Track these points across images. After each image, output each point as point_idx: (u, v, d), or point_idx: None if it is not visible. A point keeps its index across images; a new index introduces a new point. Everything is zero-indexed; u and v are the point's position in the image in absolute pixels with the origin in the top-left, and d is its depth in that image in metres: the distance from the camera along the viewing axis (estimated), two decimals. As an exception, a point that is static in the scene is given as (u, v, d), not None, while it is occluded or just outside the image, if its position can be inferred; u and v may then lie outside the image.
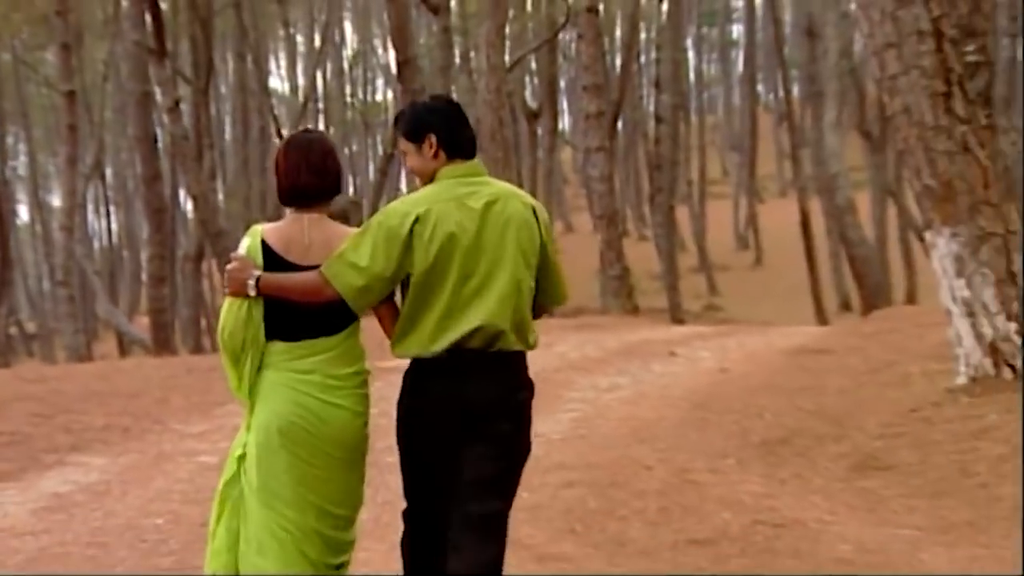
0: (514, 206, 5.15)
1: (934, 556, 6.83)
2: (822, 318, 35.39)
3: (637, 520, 7.75)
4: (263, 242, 5.15)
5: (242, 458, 5.15)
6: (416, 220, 4.96)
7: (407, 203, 5.10)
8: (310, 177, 5.19)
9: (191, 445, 10.85)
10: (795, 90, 40.83)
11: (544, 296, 5.30)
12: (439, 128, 5.16)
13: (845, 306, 41.47)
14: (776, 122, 65.69)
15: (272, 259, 5.08)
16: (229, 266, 5.15)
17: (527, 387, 5.16)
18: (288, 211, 5.28)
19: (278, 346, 5.14)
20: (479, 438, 5.00)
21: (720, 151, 75.94)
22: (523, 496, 7.83)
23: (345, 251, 4.99)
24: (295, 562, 5.03)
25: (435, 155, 5.15)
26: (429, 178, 5.18)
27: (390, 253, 4.93)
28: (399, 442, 5.16)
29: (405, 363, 5.07)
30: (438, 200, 5.05)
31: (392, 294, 5.12)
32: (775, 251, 50.98)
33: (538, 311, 5.30)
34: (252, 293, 5.01)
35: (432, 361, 4.99)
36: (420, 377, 5.06)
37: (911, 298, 39.59)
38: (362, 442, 5.23)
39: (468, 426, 5.00)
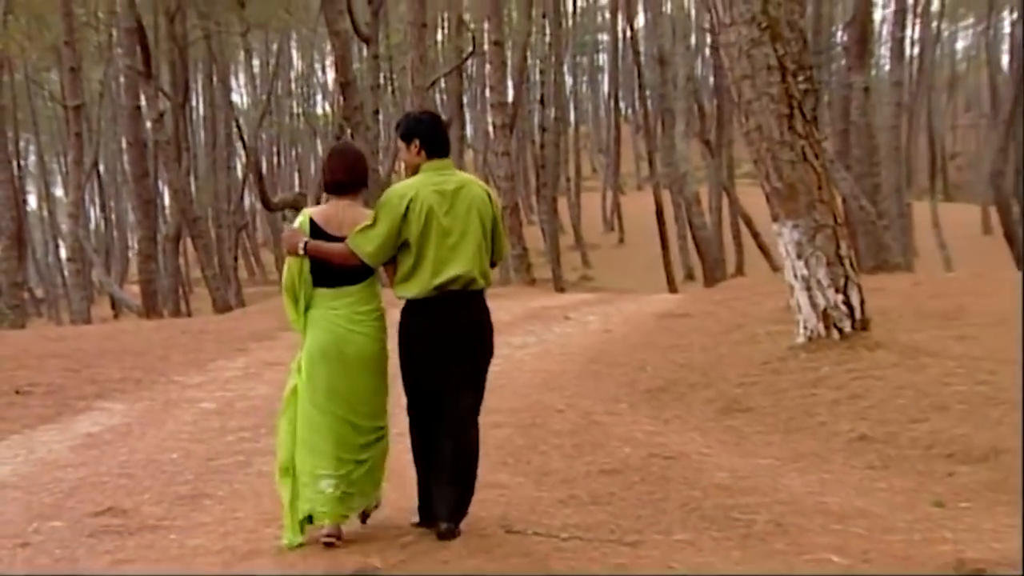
0: (475, 190, 6.01)
1: (791, 480, 6.90)
2: (672, 286, 35.68)
3: (556, 454, 7.77)
4: (310, 219, 5.96)
5: (299, 369, 5.96)
6: (410, 200, 5.80)
7: (401, 189, 5.90)
8: (344, 174, 6.01)
9: (192, 394, 10.82)
10: (649, 106, 40.97)
11: (495, 254, 6.14)
12: (422, 134, 5.98)
13: (689, 276, 41.99)
14: (634, 131, 65.88)
15: (316, 231, 5.90)
16: (284, 234, 6.09)
17: (488, 313, 6.01)
18: (331, 198, 6.03)
19: (320, 291, 5.96)
20: (461, 350, 5.91)
21: (591, 154, 76.04)
22: (463, 436, 7.96)
23: (364, 227, 5.83)
24: (329, 440, 5.82)
25: (419, 153, 5.96)
26: (414, 170, 6.00)
27: (393, 224, 5.79)
28: (401, 355, 5.99)
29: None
30: (422, 186, 5.87)
31: (394, 256, 5.89)
32: (634, 233, 51.28)
33: (491, 264, 6.12)
34: (301, 253, 5.85)
35: (427, 299, 5.86)
36: (418, 310, 5.88)
37: (740, 270, 40.23)
38: (381, 358, 5.98)
39: (454, 343, 5.88)
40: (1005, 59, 49.16)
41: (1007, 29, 53.85)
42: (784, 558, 5.36)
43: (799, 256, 9.90)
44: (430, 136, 5.99)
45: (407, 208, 5.79)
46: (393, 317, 5.89)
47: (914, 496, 6.44)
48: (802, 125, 10.01)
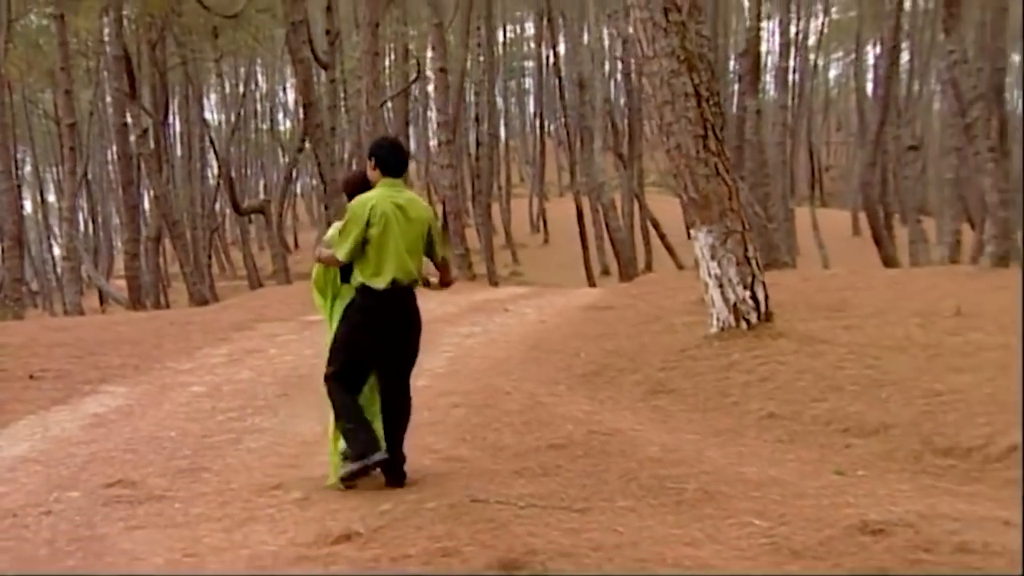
0: (419, 206, 6.44)
1: (713, 453, 6.92)
2: (591, 281, 35.85)
3: (508, 431, 7.72)
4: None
5: None
6: (372, 208, 6.20)
7: (364, 199, 6.28)
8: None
9: (184, 379, 10.64)
10: (570, 124, 41.15)
11: (436, 255, 6.55)
12: (381, 157, 6.41)
13: (605, 272, 41.98)
14: (557, 145, 65.97)
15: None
16: (323, 254, 6.51)
17: (417, 304, 6.44)
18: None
19: (345, 286, 6.49)
20: (402, 333, 6.36)
21: (519, 165, 76.05)
22: (424, 414, 7.95)
23: (336, 232, 6.37)
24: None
25: (374, 169, 6.39)
26: (374, 185, 6.38)
27: (360, 227, 6.19)
28: (347, 331, 6.40)
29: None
30: (381, 199, 6.26)
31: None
32: (558, 234, 51.12)
33: (442, 265, 6.70)
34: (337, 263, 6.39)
35: (381, 289, 6.23)
36: (372, 297, 6.25)
37: (649, 266, 40.50)
38: None
39: (396, 326, 6.32)
40: (870, 86, 49.93)
41: (871, 60, 54.81)
42: (712, 522, 5.36)
43: (712, 257, 9.97)
44: (386, 159, 6.42)
45: (370, 215, 6.21)
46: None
47: (818, 466, 6.49)
48: (715, 144, 10.08)
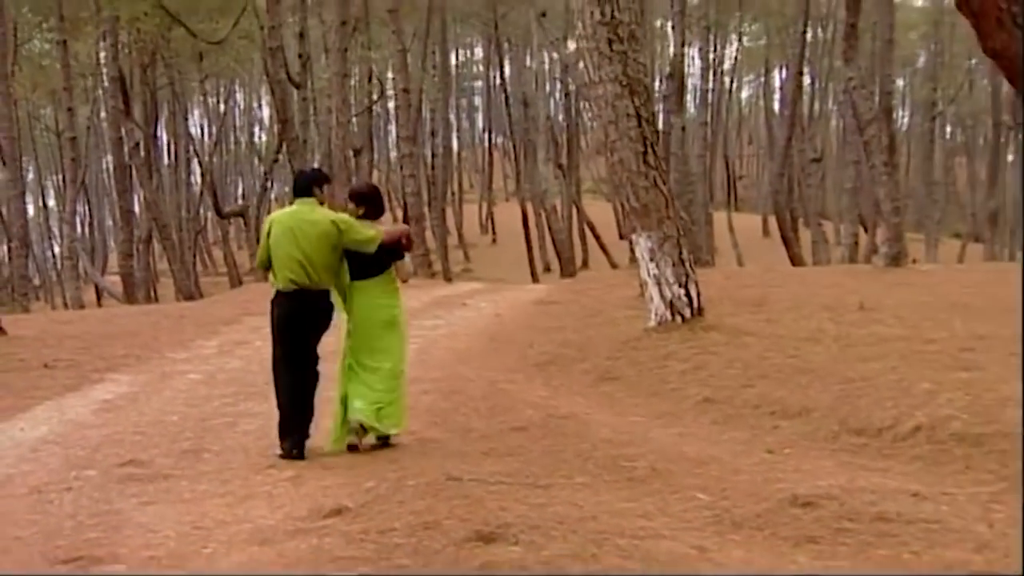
0: (319, 217, 6.60)
1: (657, 434, 6.91)
2: (535, 277, 35.92)
3: (474, 415, 7.72)
4: None
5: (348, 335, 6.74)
6: (271, 223, 6.76)
7: (271, 216, 6.97)
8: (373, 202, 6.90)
9: (181, 367, 10.51)
10: (516, 138, 41.22)
11: (361, 244, 6.58)
12: (294, 184, 7.03)
13: (547, 269, 42.08)
14: (503, 156, 65.99)
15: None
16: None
17: (314, 303, 6.63)
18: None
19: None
20: (298, 328, 6.63)
21: (470, 173, 75.89)
22: (400, 401, 7.85)
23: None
24: (371, 384, 6.61)
25: (292, 190, 6.95)
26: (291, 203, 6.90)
27: (264, 239, 6.75)
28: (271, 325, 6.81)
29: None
30: (284, 215, 6.79)
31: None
32: (505, 235, 51.14)
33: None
34: None
35: (279, 290, 6.64)
36: (275, 297, 6.69)
37: (585, 264, 40.73)
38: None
39: (291, 321, 6.63)
40: (777, 106, 50.51)
41: (778, 83, 55.45)
42: (661, 496, 5.35)
43: (652, 259, 10.00)
44: (295, 183, 6.99)
45: (269, 229, 6.72)
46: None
47: (750, 445, 6.49)
48: (653, 159, 10.13)
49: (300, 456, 6.42)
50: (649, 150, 10.03)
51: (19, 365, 10.31)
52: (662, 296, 9.94)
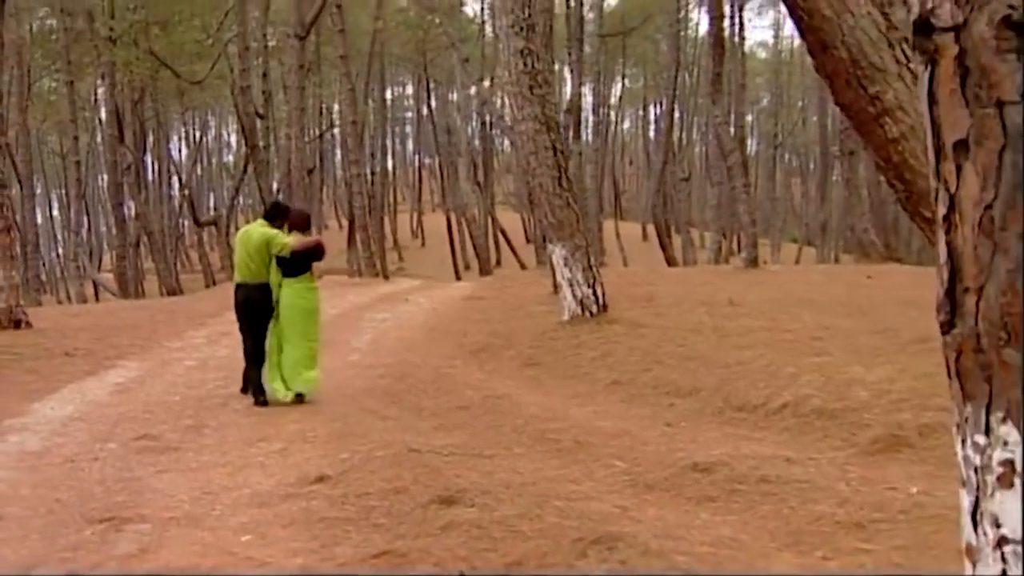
0: (259, 232, 7.45)
1: (576, 411, 6.88)
2: (457, 275, 35.74)
3: (425, 396, 7.63)
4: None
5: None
6: (238, 236, 7.78)
7: (242, 230, 7.92)
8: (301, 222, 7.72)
9: (178, 355, 10.20)
10: (442, 159, 41.04)
11: (277, 250, 7.34)
12: (264, 209, 8.09)
13: (467, 267, 41.92)
14: (430, 174, 65.54)
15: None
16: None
17: (257, 296, 7.41)
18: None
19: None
20: (247, 314, 7.49)
21: (402, 188, 75.10)
22: (357, 384, 7.80)
23: None
24: (297, 363, 7.36)
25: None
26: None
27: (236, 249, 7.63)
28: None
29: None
30: (242, 231, 7.82)
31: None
32: (432, 239, 50.60)
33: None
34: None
35: (236, 284, 7.61)
36: (235, 288, 7.61)
37: (499, 263, 40.68)
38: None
39: (243, 309, 7.52)
40: (652, 134, 51.37)
41: (653, 117, 56.38)
42: (586, 464, 5.35)
43: (566, 265, 10.05)
44: (265, 210, 8.15)
45: (239, 239, 7.69)
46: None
47: (653, 420, 6.50)
48: (566, 183, 10.18)
49: (264, 404, 7.27)
50: (563, 175, 10.08)
51: (45, 353, 9.96)
52: (574, 295, 10.00)
